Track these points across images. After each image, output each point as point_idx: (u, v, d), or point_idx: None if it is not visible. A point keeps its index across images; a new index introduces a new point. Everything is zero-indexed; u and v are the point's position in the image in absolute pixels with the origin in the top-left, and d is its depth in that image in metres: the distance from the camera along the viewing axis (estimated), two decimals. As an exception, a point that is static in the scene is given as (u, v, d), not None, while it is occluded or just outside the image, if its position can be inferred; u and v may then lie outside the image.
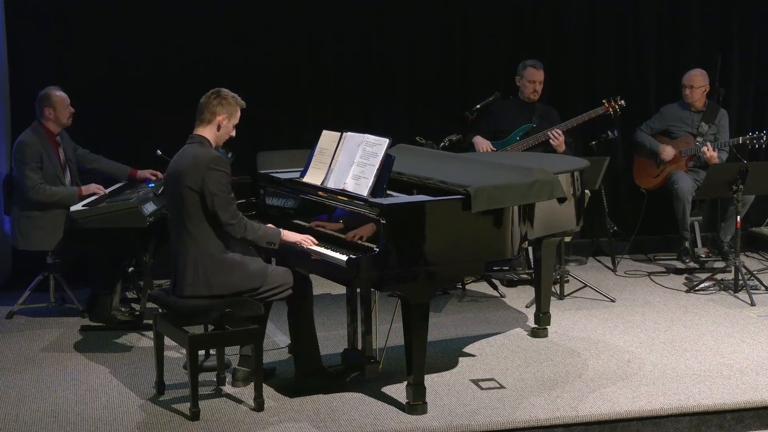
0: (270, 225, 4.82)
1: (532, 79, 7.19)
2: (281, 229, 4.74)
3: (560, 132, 7.02)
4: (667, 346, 5.64)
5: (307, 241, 4.71)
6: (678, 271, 7.43)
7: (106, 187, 6.23)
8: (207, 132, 4.73)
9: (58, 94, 6.18)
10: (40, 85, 6.36)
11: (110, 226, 5.72)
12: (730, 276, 6.86)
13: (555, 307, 6.23)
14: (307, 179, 5.07)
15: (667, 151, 7.47)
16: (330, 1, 7.55)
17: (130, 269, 6.34)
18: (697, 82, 7.47)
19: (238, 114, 4.80)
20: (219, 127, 4.73)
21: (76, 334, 5.96)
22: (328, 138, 5.08)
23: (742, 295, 6.67)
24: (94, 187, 6.12)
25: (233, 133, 4.81)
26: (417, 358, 4.58)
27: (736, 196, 6.66)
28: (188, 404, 4.59)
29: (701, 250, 7.47)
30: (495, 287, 6.89)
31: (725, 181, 6.69)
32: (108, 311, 5.99)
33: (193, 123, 4.82)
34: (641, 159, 7.70)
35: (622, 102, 7.18)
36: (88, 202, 5.93)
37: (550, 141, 6.99)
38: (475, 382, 5.07)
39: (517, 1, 7.92)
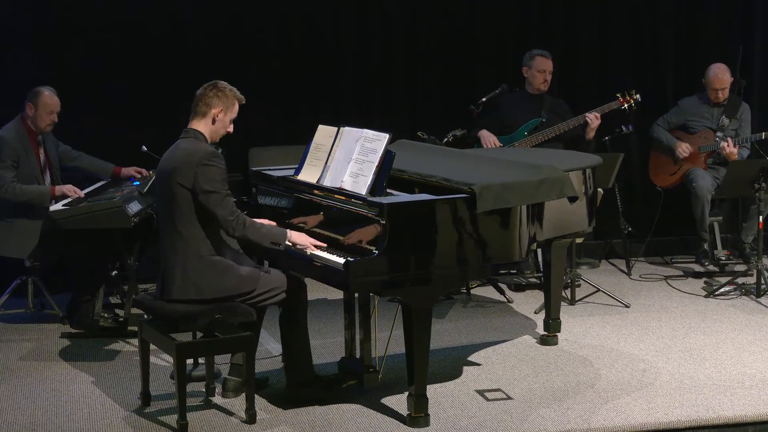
0: (273, 223, 4.83)
1: (542, 69, 7.20)
2: (288, 230, 4.74)
3: (598, 115, 7.09)
4: (684, 355, 5.64)
5: (317, 245, 4.70)
6: (696, 275, 7.43)
7: (88, 186, 6.23)
8: (202, 126, 4.73)
9: (48, 96, 6.12)
10: (21, 76, 6.36)
11: (92, 226, 5.72)
12: (752, 280, 6.86)
13: (565, 313, 6.24)
14: (302, 177, 5.07)
15: (683, 148, 7.48)
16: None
17: (114, 272, 6.34)
18: (727, 82, 7.47)
19: (236, 108, 4.80)
20: (214, 121, 4.73)
21: (56, 341, 5.96)
22: (324, 133, 5.08)
23: (765, 300, 6.68)
24: (68, 188, 6.09)
25: (230, 129, 4.82)
26: (419, 367, 4.58)
27: (758, 195, 6.67)
28: (176, 416, 4.59)
29: (721, 253, 7.47)
30: (502, 292, 6.89)
31: (747, 179, 6.70)
32: (90, 317, 5.99)
33: (182, 117, 4.82)
34: (658, 155, 7.71)
35: (638, 96, 7.19)
36: (69, 202, 5.93)
37: (589, 122, 7.02)
38: (481, 392, 5.08)
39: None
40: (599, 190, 5.75)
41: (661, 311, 6.55)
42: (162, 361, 5.43)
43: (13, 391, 5.15)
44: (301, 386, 4.93)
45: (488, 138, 7.07)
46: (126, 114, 7.12)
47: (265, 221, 4.86)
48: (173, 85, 6.99)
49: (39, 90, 6.14)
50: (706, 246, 7.48)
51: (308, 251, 4.67)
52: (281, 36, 7.51)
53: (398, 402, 4.88)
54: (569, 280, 6.68)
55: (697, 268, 7.55)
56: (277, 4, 7.47)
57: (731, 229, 7.90)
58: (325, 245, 4.71)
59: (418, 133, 6.74)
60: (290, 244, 4.69)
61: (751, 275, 6.90)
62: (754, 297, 6.76)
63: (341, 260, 4.44)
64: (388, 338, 5.16)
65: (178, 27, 7.28)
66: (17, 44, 7.02)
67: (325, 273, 4.62)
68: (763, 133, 7.31)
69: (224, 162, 4.66)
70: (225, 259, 4.69)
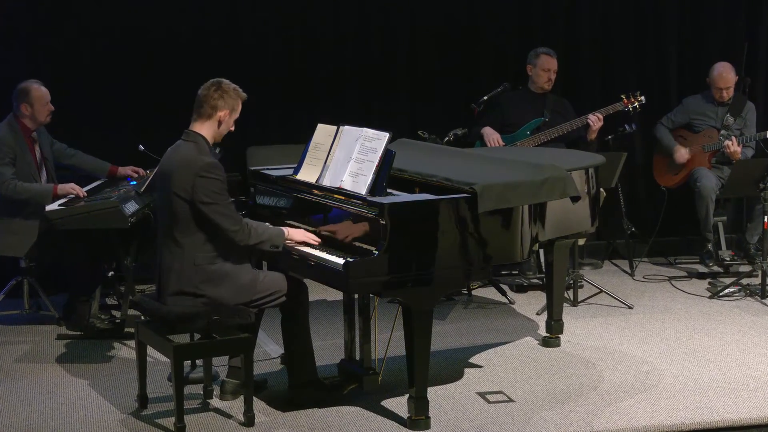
0: (269, 225, 4.82)
1: (547, 68, 7.19)
2: (284, 228, 4.73)
3: (601, 117, 7.06)
4: (688, 357, 5.64)
5: (312, 237, 4.70)
6: (701, 276, 7.43)
7: (84, 185, 6.23)
8: (205, 128, 4.69)
9: (37, 89, 6.13)
10: (12, 75, 6.35)
11: (89, 226, 5.72)
12: (756, 281, 6.86)
13: (568, 315, 6.23)
14: (300, 176, 5.07)
15: (681, 154, 7.48)
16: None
17: (111, 273, 6.34)
18: (731, 81, 7.46)
19: (240, 108, 4.77)
20: (219, 123, 4.70)
21: (52, 343, 5.96)
22: (323, 132, 5.08)
23: (770, 301, 6.69)
24: (70, 186, 6.09)
25: (232, 128, 4.80)
26: (419, 370, 4.58)
27: (763, 195, 6.66)
28: (173, 419, 4.58)
29: (726, 253, 7.46)
30: (503, 293, 6.89)
31: (752, 179, 6.69)
32: (86, 319, 5.99)
33: (181, 116, 4.81)
34: (661, 155, 7.70)
35: (642, 98, 7.18)
36: (65, 202, 5.93)
37: (590, 124, 7.01)
38: (482, 395, 5.07)
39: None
40: (602, 190, 5.74)
41: (665, 312, 6.55)
42: (159, 363, 5.43)
43: (9, 393, 5.15)
44: (303, 388, 4.92)
45: (491, 135, 7.06)
46: (123, 113, 7.12)
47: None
48: (172, 83, 6.99)
49: (26, 87, 6.12)
50: (710, 246, 7.48)
51: (307, 251, 4.66)
52: (281, 35, 7.50)
53: (398, 404, 4.87)
54: (572, 281, 6.67)
55: (701, 268, 7.55)
56: (277, 4, 7.46)
57: (736, 230, 7.89)
58: (319, 240, 4.72)
59: (419, 132, 6.73)
60: (290, 239, 4.69)
61: (756, 276, 6.90)
62: (758, 298, 6.75)
63: (341, 261, 4.44)
64: (388, 340, 5.15)
65: (177, 26, 7.27)
66: (17, 43, 7.02)
67: (325, 274, 4.61)
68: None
69: (223, 171, 4.61)
70: (224, 266, 4.64)
